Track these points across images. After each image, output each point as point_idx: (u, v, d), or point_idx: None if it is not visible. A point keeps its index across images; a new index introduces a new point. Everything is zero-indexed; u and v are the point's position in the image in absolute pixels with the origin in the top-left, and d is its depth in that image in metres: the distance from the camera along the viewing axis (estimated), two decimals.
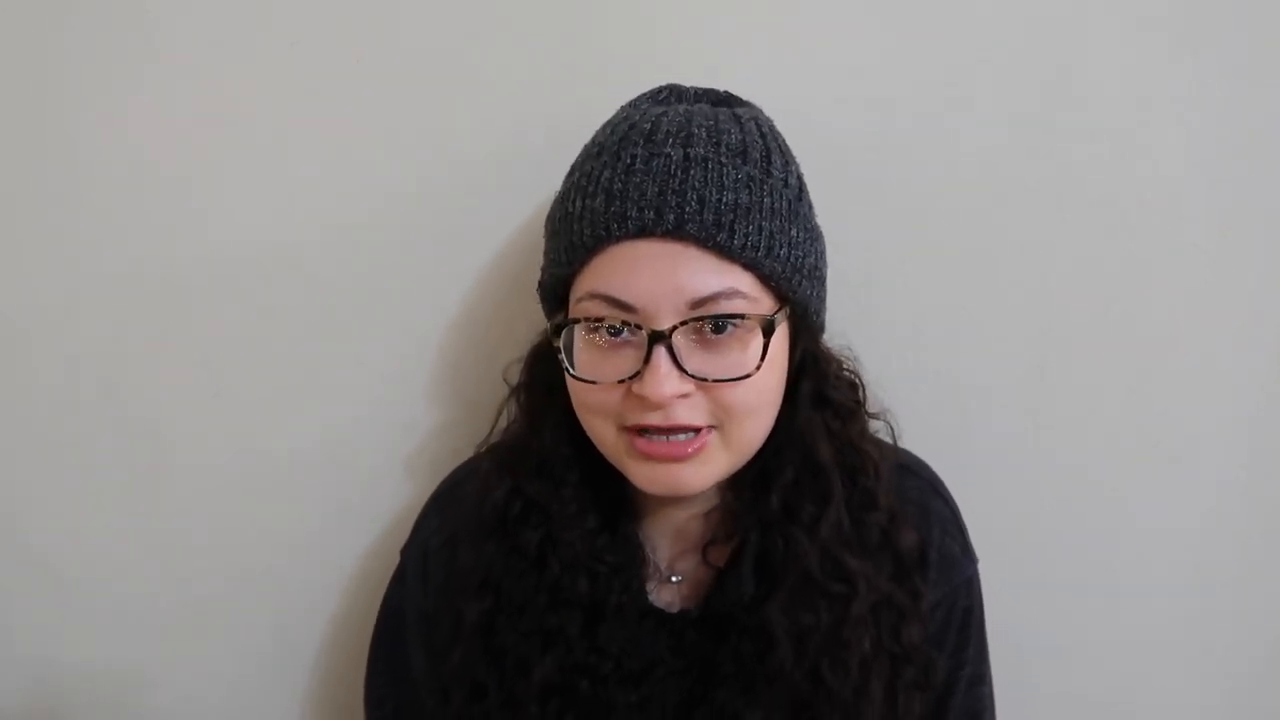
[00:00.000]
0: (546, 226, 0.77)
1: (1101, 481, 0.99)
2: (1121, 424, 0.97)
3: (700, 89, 0.82)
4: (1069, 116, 0.92)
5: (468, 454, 0.90)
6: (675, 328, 0.68)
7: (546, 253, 0.77)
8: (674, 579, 0.83)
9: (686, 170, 0.69)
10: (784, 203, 0.72)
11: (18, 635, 1.03)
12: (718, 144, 0.71)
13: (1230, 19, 0.90)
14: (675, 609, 0.82)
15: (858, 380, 0.83)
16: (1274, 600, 1.02)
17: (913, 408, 0.87)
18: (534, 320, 0.82)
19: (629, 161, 0.71)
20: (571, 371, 0.72)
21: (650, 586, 0.82)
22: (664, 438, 0.71)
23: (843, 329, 0.82)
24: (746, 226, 0.69)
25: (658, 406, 0.70)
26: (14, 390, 0.98)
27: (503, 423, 0.86)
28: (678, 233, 0.68)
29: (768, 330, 0.70)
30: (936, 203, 0.94)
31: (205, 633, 1.03)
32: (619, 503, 0.81)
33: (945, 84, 0.92)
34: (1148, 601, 1.01)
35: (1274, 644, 1.03)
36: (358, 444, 0.99)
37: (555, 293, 0.76)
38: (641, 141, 0.72)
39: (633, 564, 0.80)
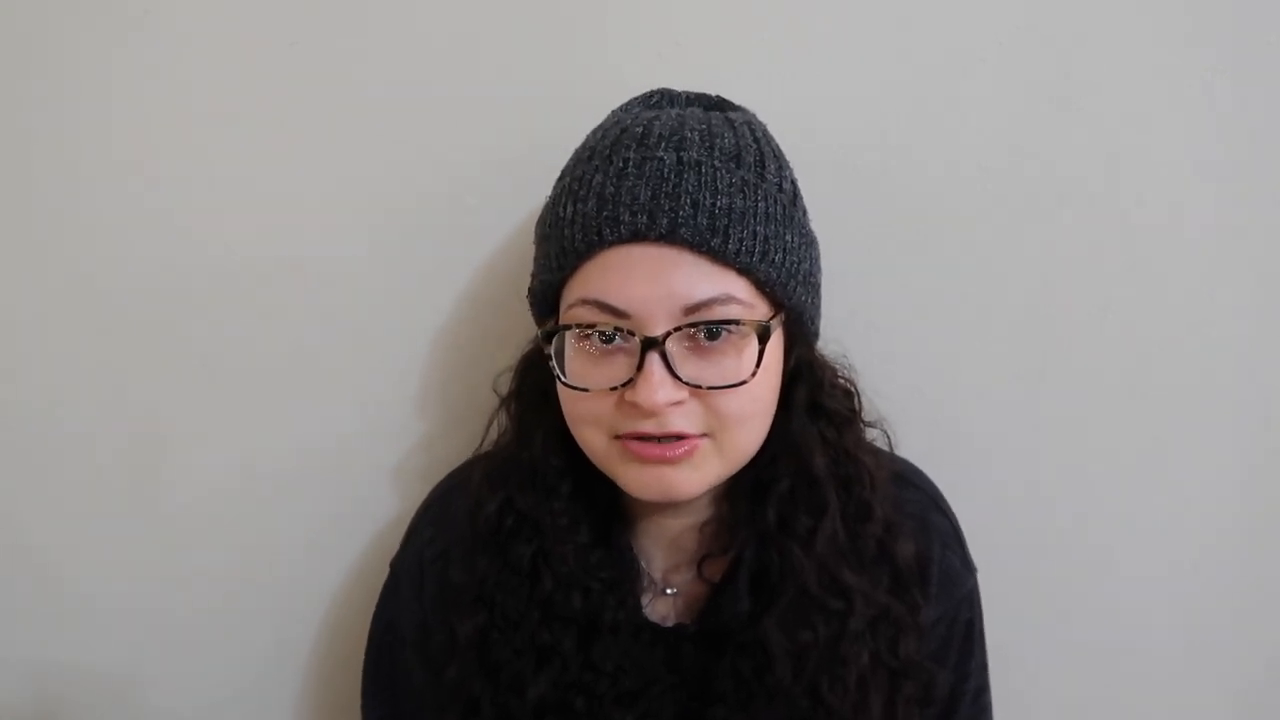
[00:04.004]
0: (536, 231, 0.76)
1: (1101, 483, 0.98)
2: (1121, 426, 0.97)
3: (692, 93, 0.81)
4: (1068, 117, 0.91)
5: (458, 463, 0.90)
6: (669, 334, 0.67)
7: (537, 258, 0.76)
8: (669, 591, 0.82)
9: (680, 174, 0.68)
10: (778, 207, 0.71)
11: (18, 636, 1.03)
12: (711, 148, 0.70)
13: (1230, 19, 0.89)
14: (670, 623, 0.81)
15: (853, 388, 0.82)
16: (1274, 601, 1.01)
17: (910, 412, 0.86)
18: (525, 328, 0.81)
19: (621, 165, 0.70)
20: (563, 379, 0.71)
21: (645, 600, 0.81)
22: (655, 440, 0.70)
23: (838, 335, 0.81)
24: (741, 231, 0.68)
25: (651, 414, 0.68)
26: (14, 392, 0.98)
27: (493, 434, 0.86)
28: (671, 237, 0.67)
29: (763, 336, 0.69)
30: (934, 205, 0.93)
31: (203, 635, 1.03)
32: (612, 514, 0.80)
33: (943, 85, 0.91)
34: (1148, 603, 1.01)
35: (1274, 645, 1.03)
36: (350, 451, 0.99)
37: (546, 299, 0.75)
38: (633, 145, 0.71)
39: (627, 578, 0.79)
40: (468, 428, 0.90)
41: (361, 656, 0.91)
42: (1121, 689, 1.03)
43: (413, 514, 0.90)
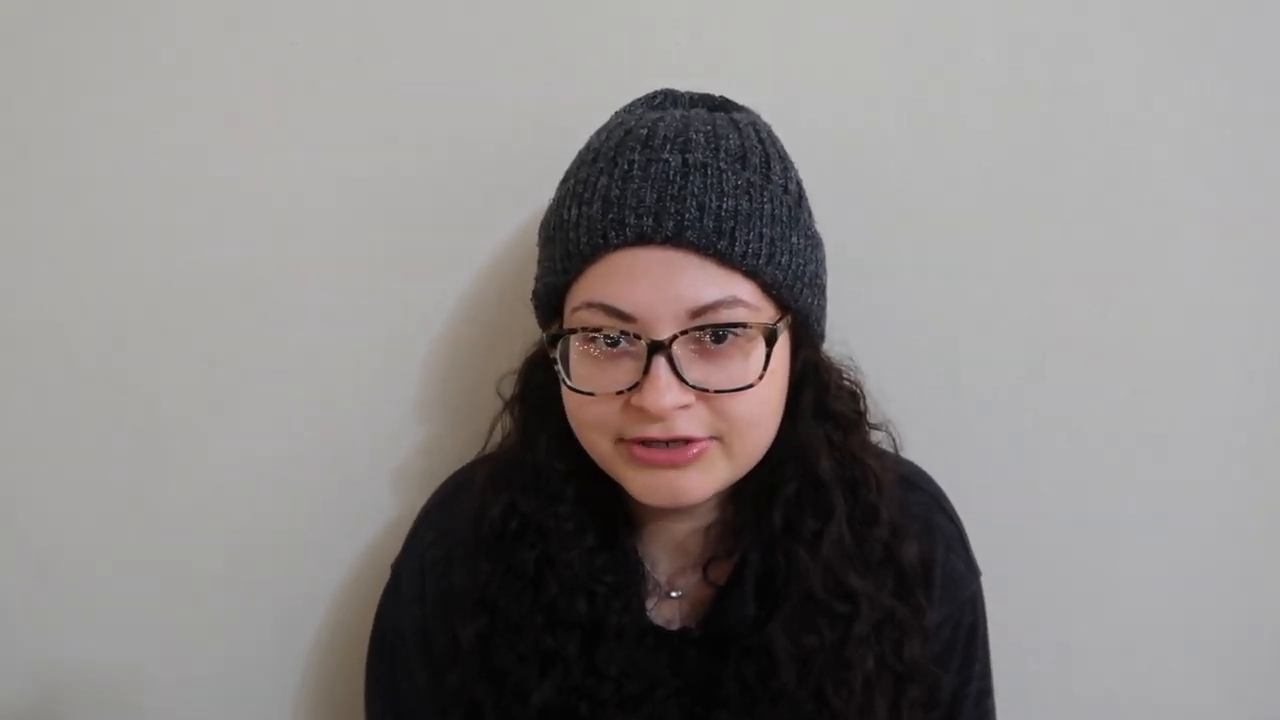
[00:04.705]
0: (540, 234, 0.76)
1: (1102, 483, 0.98)
2: (1122, 425, 0.97)
3: (696, 94, 0.81)
4: (1068, 118, 0.91)
5: (460, 466, 0.90)
6: (675, 337, 0.67)
7: (541, 261, 0.76)
8: (674, 594, 0.81)
9: (685, 176, 0.68)
10: (784, 209, 0.71)
11: (18, 636, 1.03)
12: (716, 150, 0.70)
13: (1230, 19, 0.89)
14: (675, 627, 0.81)
15: (858, 390, 0.82)
16: (1275, 600, 1.02)
17: (914, 414, 0.87)
18: (528, 331, 0.81)
19: (626, 168, 0.69)
20: (568, 383, 0.71)
21: (650, 604, 0.80)
22: (663, 445, 0.70)
23: (843, 336, 0.82)
24: (747, 234, 0.68)
25: (658, 418, 0.68)
26: (14, 391, 0.97)
27: (496, 436, 0.85)
28: (677, 240, 0.67)
29: (770, 339, 0.69)
30: (936, 206, 0.93)
31: (203, 635, 1.03)
32: (617, 518, 0.79)
33: (943, 86, 0.91)
34: (1150, 605, 1.01)
35: (1275, 644, 1.03)
36: (352, 453, 0.98)
37: (550, 302, 0.74)
38: (638, 147, 0.70)
39: (632, 582, 0.79)
40: (470, 430, 0.89)
41: (362, 658, 0.91)
42: (1123, 690, 1.03)
43: (414, 516, 0.89)
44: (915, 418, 0.87)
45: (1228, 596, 1.02)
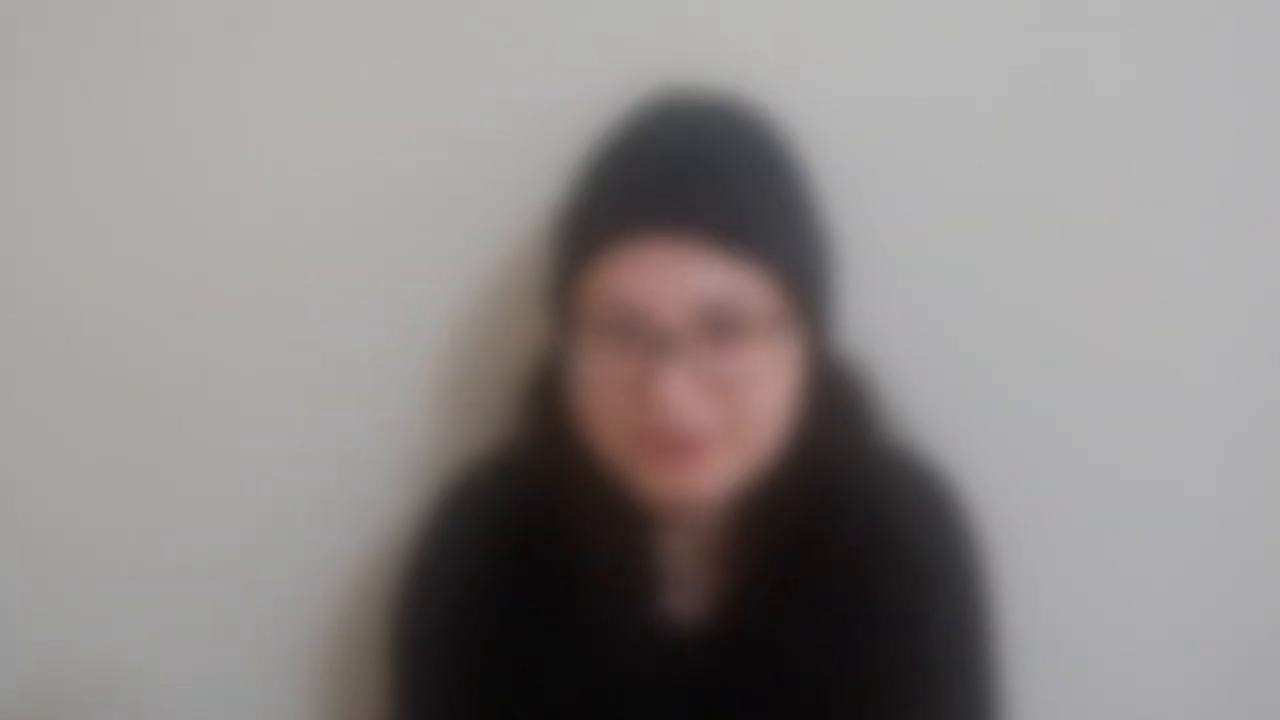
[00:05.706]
0: (550, 228, 0.76)
1: (1103, 481, 0.98)
2: (1123, 425, 0.97)
3: (708, 86, 0.81)
4: (1071, 115, 0.91)
5: (470, 463, 0.89)
6: (686, 330, 0.67)
7: (551, 255, 0.76)
8: (686, 593, 0.81)
9: (696, 168, 0.69)
10: (795, 202, 0.72)
11: (18, 636, 1.03)
12: (727, 141, 0.71)
13: (1232, 18, 0.89)
14: (687, 625, 0.81)
15: (871, 385, 0.82)
16: (1275, 600, 1.02)
17: (925, 409, 0.87)
18: (534, 327, 0.81)
19: (635, 162, 0.70)
20: (578, 377, 0.71)
21: (663, 603, 0.80)
22: (673, 438, 0.69)
23: (854, 330, 0.82)
24: (759, 226, 0.69)
25: (668, 410, 0.68)
26: (13, 391, 0.98)
27: (507, 433, 0.85)
28: (688, 232, 0.67)
29: (780, 332, 0.69)
30: (939, 204, 0.93)
31: (205, 634, 1.03)
32: (629, 514, 0.79)
33: (946, 83, 0.91)
34: (1153, 607, 1.01)
35: (1275, 644, 1.03)
36: (360, 451, 0.98)
37: (560, 296, 0.74)
38: (648, 140, 0.71)
39: (646, 581, 0.79)
40: (475, 429, 0.90)
41: (363, 658, 0.91)
42: (1123, 691, 1.03)
43: (416, 517, 0.89)
44: (926, 414, 0.88)
45: (1228, 596, 1.01)
